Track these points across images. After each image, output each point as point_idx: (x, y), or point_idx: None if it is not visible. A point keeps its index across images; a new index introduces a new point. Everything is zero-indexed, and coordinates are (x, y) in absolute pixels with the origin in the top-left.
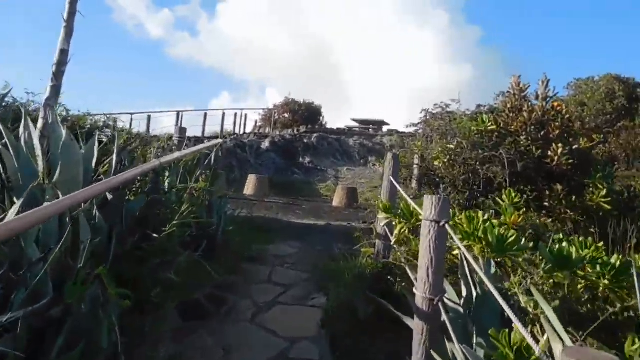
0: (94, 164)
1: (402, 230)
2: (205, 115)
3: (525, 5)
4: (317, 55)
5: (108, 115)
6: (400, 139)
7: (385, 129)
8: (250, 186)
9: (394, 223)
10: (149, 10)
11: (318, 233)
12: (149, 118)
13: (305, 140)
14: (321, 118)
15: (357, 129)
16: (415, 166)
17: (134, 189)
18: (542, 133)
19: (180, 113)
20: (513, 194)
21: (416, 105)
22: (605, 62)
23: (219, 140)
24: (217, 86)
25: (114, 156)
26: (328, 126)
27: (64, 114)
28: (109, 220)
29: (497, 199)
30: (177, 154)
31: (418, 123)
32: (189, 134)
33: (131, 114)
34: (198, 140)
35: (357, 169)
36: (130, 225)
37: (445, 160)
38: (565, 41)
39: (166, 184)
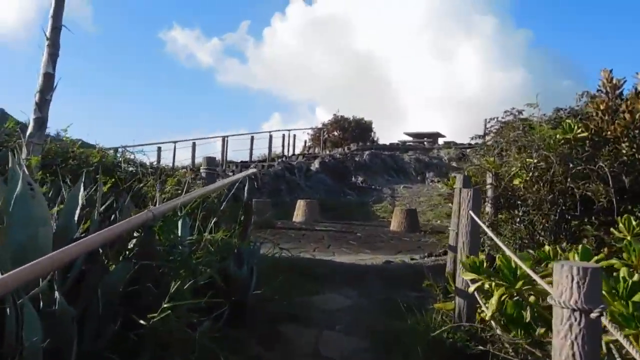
0: (78, 217)
1: (503, 297)
2: (252, 138)
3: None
4: (364, 71)
5: (128, 148)
6: (459, 151)
7: (441, 141)
8: (299, 212)
9: (486, 286)
10: (198, 40)
11: (376, 276)
12: (158, 149)
13: (357, 159)
14: (372, 134)
15: (411, 143)
16: (488, 186)
17: (126, 253)
18: None
19: (226, 138)
20: (634, 222)
21: (469, 115)
22: None
23: (252, 170)
24: (267, 109)
25: (97, 205)
26: (380, 142)
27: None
28: (80, 303)
29: (599, 223)
30: (184, 198)
31: (485, 134)
32: (237, 158)
33: (174, 142)
34: (245, 165)
35: (415, 186)
36: (110, 306)
37: (527, 177)
38: (619, 38)
39: (178, 235)
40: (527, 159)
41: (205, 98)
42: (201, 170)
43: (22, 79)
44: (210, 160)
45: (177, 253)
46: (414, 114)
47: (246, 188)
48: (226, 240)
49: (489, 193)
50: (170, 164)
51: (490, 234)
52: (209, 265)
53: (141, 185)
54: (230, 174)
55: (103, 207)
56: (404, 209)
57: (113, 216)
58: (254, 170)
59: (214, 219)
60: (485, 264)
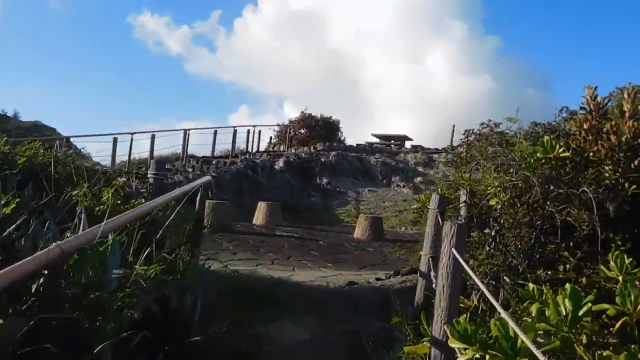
0: None
1: None
2: (215, 133)
3: (546, 14)
4: (335, 69)
5: (82, 138)
6: (426, 156)
7: (408, 144)
8: (260, 214)
9: (477, 356)
10: (168, 27)
11: (339, 301)
12: (114, 140)
13: (323, 159)
14: (339, 134)
15: (378, 145)
16: (462, 204)
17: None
18: (637, 162)
19: (187, 132)
20: (627, 261)
21: (436, 118)
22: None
23: (206, 178)
24: (235, 101)
25: None
26: (347, 142)
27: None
28: None
29: (581, 252)
30: (112, 221)
31: (453, 145)
32: (199, 152)
33: (131, 133)
34: (206, 160)
35: (380, 190)
36: None
37: (505, 198)
38: (588, 49)
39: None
40: (506, 178)
41: (173, 86)
42: (149, 175)
43: None
44: (160, 163)
45: (95, 297)
46: (381, 115)
47: (198, 198)
48: (167, 267)
49: (462, 211)
50: (126, 158)
51: (479, 284)
52: (138, 305)
53: (73, 193)
54: (190, 170)
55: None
56: (369, 216)
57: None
58: (209, 178)
59: (157, 236)
60: (476, 332)
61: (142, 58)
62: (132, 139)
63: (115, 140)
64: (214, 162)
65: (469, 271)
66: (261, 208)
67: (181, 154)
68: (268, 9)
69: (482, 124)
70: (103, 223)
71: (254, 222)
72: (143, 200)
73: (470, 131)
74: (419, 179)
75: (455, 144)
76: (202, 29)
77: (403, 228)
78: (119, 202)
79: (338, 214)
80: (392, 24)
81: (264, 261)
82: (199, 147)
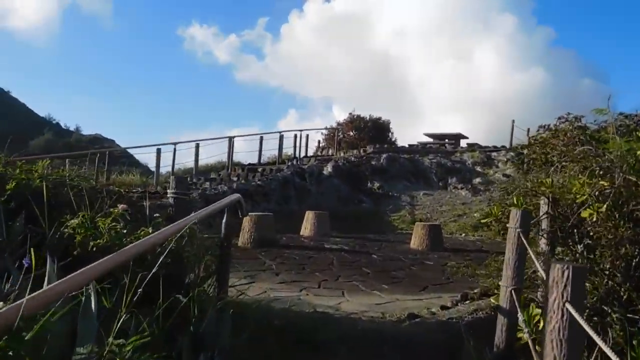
0: None
1: None
2: (262, 139)
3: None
4: (382, 70)
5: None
6: (484, 155)
7: (463, 143)
8: (308, 225)
9: None
10: (216, 37)
11: (397, 342)
12: (158, 151)
13: (373, 162)
14: (390, 134)
15: (431, 146)
16: (543, 216)
17: None
18: None
19: (232, 139)
20: None
21: (487, 115)
22: None
23: (234, 197)
24: (283, 106)
25: None
26: (398, 143)
27: None
28: None
29: None
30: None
31: (530, 144)
32: (246, 160)
33: (174, 143)
34: (252, 168)
35: (435, 192)
36: None
37: (602, 209)
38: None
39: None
40: (602, 184)
41: (222, 95)
42: (168, 195)
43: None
44: (180, 181)
45: None
46: (431, 115)
47: (224, 223)
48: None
49: (544, 224)
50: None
51: (609, 353)
52: None
53: (68, 222)
54: (235, 179)
55: None
56: (426, 225)
57: None
58: (237, 196)
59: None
60: None
61: (193, 69)
62: (175, 149)
63: (159, 151)
64: (259, 170)
65: (597, 340)
66: (308, 218)
67: (227, 163)
68: (312, 14)
69: (559, 118)
70: (69, 276)
71: (301, 232)
72: (150, 230)
73: (545, 127)
74: (478, 179)
75: (515, 141)
76: (249, 37)
77: (463, 234)
78: (124, 231)
79: (391, 220)
80: (438, 22)
81: (309, 283)
82: (246, 154)
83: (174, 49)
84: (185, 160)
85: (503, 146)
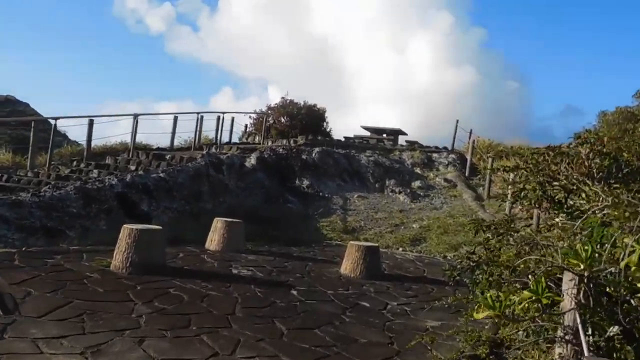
0: None
1: None
2: (176, 119)
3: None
4: (319, 57)
5: None
6: (425, 155)
7: (402, 139)
8: (215, 237)
9: None
10: (150, 3)
11: None
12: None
13: (304, 156)
14: (325, 124)
15: (369, 140)
16: (567, 313)
17: None
18: None
19: (136, 117)
20: None
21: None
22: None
23: None
24: (218, 83)
25: None
26: (334, 135)
27: None
28: None
29: None
30: None
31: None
32: (158, 142)
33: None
34: (159, 155)
35: (371, 195)
36: None
37: None
38: (567, 46)
39: None
40: None
41: (153, 65)
42: None
43: None
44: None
45: None
46: (365, 106)
47: None
48: None
49: (568, 319)
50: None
51: None
52: None
53: None
54: (133, 168)
55: None
56: (362, 247)
57: None
58: None
59: None
60: None
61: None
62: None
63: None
64: (167, 157)
65: None
66: (217, 228)
67: (129, 145)
68: None
69: (577, 137)
70: None
71: (207, 245)
72: None
73: (555, 149)
74: (417, 183)
75: (458, 142)
76: (185, 8)
77: (400, 249)
78: None
79: (321, 226)
80: (377, 13)
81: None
82: (162, 136)
83: (103, 13)
84: (115, 133)
85: (445, 147)
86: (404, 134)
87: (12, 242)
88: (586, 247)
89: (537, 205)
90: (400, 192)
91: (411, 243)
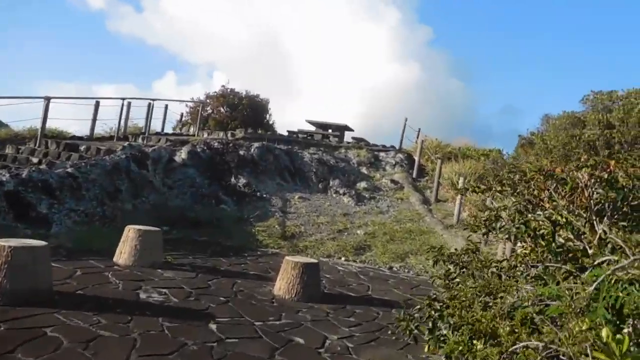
0: None
1: None
2: (97, 105)
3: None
4: (267, 45)
5: None
6: (372, 154)
7: (348, 136)
8: (126, 248)
9: None
10: None
11: None
12: None
13: (242, 152)
14: (268, 117)
15: (313, 136)
16: None
17: None
18: None
19: (48, 101)
20: None
21: (365, 103)
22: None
23: None
24: (161, 67)
25: None
26: (277, 128)
27: None
28: None
29: None
30: None
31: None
32: (77, 130)
33: None
34: (72, 145)
35: (314, 197)
36: None
37: None
38: (509, 55)
39: None
40: None
41: (93, 45)
42: None
43: None
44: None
45: None
46: (313, 101)
47: None
48: None
49: None
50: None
51: None
52: None
53: None
54: (35, 160)
55: None
56: (299, 264)
57: None
58: None
59: None
60: None
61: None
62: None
63: None
64: (82, 148)
65: None
66: (128, 238)
67: (40, 132)
68: None
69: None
70: None
71: (115, 258)
72: None
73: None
74: (363, 184)
75: (406, 141)
76: None
77: (343, 258)
78: None
79: (256, 231)
80: (327, 3)
81: None
82: (84, 123)
83: None
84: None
85: (392, 146)
86: (350, 130)
87: None
88: (620, 337)
89: (515, 239)
90: (344, 194)
91: (355, 252)
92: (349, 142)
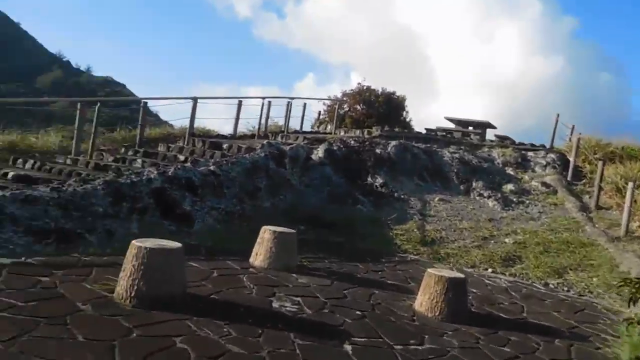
0: None
1: None
2: (240, 104)
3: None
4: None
5: None
6: (519, 154)
7: (490, 134)
8: (262, 250)
9: None
10: None
11: None
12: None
13: (379, 150)
14: (404, 114)
15: (453, 134)
16: None
17: None
18: None
19: (195, 101)
20: None
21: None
22: None
23: None
24: (302, 68)
25: None
26: (414, 125)
27: None
28: None
29: None
30: None
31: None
32: (222, 130)
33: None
34: (216, 143)
35: (455, 199)
36: None
37: None
38: None
39: None
40: None
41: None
42: None
43: None
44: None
45: None
46: (449, 96)
47: None
48: None
49: None
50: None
51: None
52: None
53: None
54: (182, 158)
55: None
56: (444, 278)
57: None
58: None
59: None
60: None
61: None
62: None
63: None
64: (225, 146)
65: None
66: (264, 240)
67: (188, 131)
68: None
69: None
70: None
71: (251, 260)
72: None
73: None
74: (509, 186)
75: (558, 138)
76: None
77: (490, 269)
78: None
79: (394, 234)
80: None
81: None
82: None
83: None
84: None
85: (542, 145)
86: (492, 127)
87: (13, 249)
88: None
89: None
90: (489, 197)
91: (503, 263)
92: (492, 141)
